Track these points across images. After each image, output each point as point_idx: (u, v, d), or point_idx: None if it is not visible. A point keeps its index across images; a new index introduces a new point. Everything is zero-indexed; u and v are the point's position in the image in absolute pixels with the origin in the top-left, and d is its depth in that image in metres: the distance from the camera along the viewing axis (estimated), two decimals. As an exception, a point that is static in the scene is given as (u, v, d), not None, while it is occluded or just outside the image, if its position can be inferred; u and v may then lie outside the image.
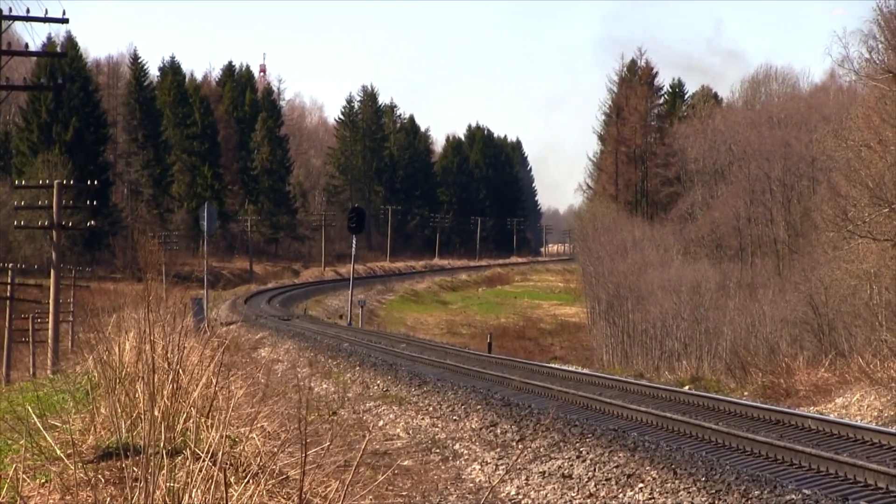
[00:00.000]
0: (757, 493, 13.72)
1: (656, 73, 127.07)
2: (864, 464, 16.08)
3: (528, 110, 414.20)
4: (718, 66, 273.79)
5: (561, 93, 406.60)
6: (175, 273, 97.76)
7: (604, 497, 14.73)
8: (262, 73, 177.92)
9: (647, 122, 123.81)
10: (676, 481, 14.66)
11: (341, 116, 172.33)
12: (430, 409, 22.89)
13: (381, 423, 22.14)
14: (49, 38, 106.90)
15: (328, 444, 12.48)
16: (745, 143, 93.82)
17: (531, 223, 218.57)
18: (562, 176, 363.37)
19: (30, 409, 14.16)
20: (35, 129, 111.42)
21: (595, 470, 15.86)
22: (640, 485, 14.87)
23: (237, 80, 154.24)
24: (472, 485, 16.12)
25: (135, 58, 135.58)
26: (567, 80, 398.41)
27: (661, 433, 20.34)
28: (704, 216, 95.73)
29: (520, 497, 15.26)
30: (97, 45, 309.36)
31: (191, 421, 12.40)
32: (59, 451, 13.24)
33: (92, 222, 53.62)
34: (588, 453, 16.77)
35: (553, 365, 41.92)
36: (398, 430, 21.23)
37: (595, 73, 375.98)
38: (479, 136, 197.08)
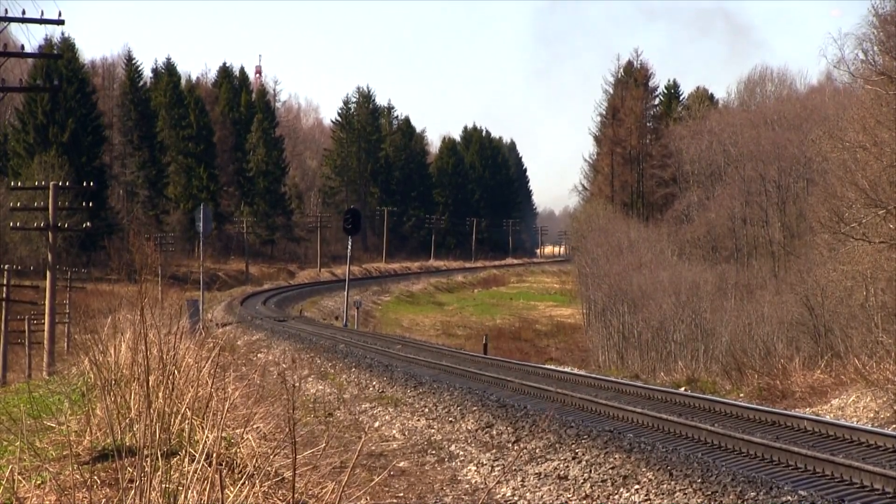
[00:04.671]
0: (753, 494, 13.73)
1: (652, 74, 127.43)
2: (860, 465, 16.08)
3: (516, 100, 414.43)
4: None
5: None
6: (171, 275, 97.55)
7: (600, 498, 14.72)
8: (257, 75, 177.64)
9: (643, 123, 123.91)
10: (672, 482, 14.66)
11: (337, 118, 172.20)
12: (426, 410, 22.87)
13: (376, 424, 22.12)
14: (46, 40, 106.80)
15: (324, 445, 12.49)
16: (741, 145, 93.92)
17: (527, 225, 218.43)
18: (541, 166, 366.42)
19: (24, 411, 14.16)
20: (31, 131, 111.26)
21: (591, 471, 15.86)
22: (636, 486, 14.87)
23: (232, 82, 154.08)
24: (467, 486, 16.12)
25: (129, 59, 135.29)
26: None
27: (657, 434, 20.34)
28: (700, 217, 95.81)
29: (515, 498, 15.25)
30: (92, 46, 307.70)
31: (186, 422, 12.39)
32: (54, 453, 13.24)
33: (88, 224, 53.69)
34: (584, 455, 16.77)
35: (549, 366, 41.91)
36: (394, 431, 21.22)
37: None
38: (475, 138, 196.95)
